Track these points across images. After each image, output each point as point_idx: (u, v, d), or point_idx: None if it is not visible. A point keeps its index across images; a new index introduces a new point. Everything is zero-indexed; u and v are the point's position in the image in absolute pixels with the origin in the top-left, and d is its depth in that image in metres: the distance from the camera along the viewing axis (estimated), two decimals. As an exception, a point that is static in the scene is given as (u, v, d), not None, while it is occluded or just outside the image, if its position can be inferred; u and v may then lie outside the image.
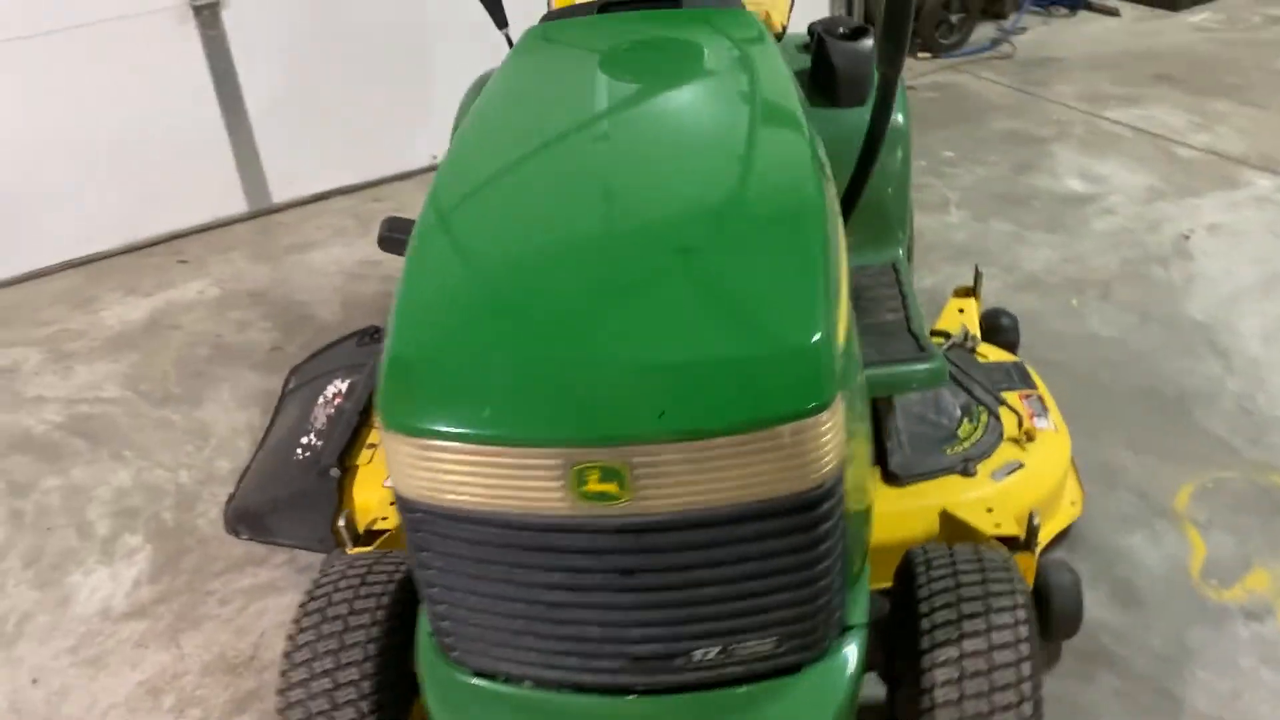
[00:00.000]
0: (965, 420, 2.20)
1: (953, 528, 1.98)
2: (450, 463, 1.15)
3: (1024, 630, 1.43)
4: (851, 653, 1.36)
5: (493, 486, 1.16)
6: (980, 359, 2.43)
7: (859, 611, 1.41)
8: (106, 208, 3.65)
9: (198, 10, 3.58)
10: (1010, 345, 2.65)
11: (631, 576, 1.21)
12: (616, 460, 1.12)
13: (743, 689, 1.31)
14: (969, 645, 1.42)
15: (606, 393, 1.12)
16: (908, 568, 1.60)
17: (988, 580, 1.51)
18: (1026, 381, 2.35)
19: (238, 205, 3.90)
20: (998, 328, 2.66)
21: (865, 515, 1.48)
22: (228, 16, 3.62)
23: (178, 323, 3.26)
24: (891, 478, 2.09)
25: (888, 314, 2.21)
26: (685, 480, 1.14)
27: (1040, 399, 2.30)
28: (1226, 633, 2.00)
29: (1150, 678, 1.92)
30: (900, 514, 2.02)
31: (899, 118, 2.47)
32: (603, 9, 1.82)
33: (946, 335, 2.49)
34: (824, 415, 1.14)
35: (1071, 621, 1.88)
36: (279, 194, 3.96)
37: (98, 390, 2.94)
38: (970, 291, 2.67)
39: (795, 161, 1.43)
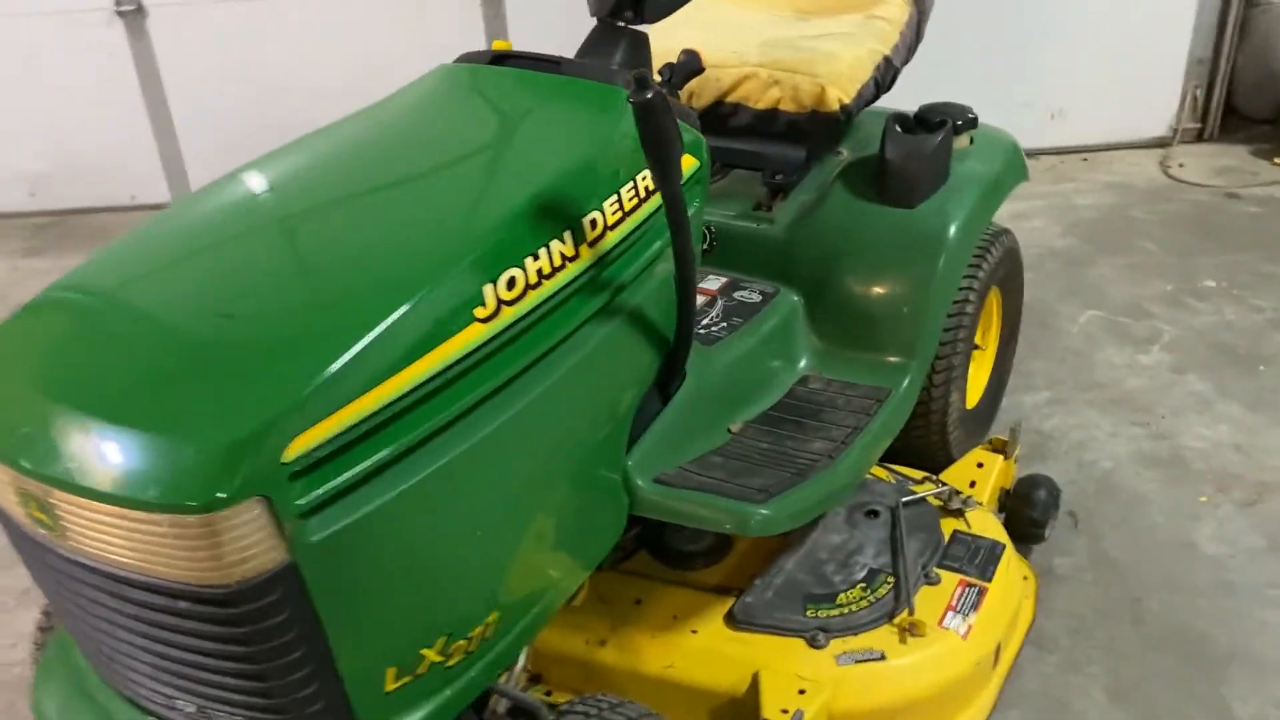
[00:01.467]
0: (860, 586, 1.91)
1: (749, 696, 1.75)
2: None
3: None
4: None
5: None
6: (959, 525, 2.07)
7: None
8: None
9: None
10: (1035, 525, 2.22)
11: (100, 608, 1.26)
12: (40, 494, 1.17)
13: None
14: None
15: (42, 433, 1.17)
16: None
17: None
18: (986, 571, 1.97)
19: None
20: (1029, 501, 2.23)
21: (432, 608, 1.37)
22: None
23: None
24: (730, 617, 1.88)
25: (817, 441, 1.96)
26: (98, 536, 1.16)
27: (981, 593, 1.92)
28: None
29: None
30: (718, 657, 1.84)
31: (951, 226, 2.16)
32: (494, 60, 1.78)
33: (939, 483, 2.15)
34: (223, 516, 1.10)
35: None
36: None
37: None
38: (1002, 447, 2.26)
39: (456, 247, 1.34)
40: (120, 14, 4.08)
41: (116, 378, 1.21)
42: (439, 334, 1.28)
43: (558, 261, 1.44)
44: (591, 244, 1.50)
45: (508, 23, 4.12)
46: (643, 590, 1.98)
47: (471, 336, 1.32)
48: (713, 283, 2.26)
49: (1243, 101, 4.22)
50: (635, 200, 1.59)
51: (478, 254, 1.34)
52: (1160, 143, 4.29)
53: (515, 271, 1.37)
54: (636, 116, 1.38)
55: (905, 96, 2.43)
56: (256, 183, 1.56)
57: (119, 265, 1.42)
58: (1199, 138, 4.30)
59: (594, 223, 1.50)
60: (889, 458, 2.27)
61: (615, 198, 1.55)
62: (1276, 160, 4.05)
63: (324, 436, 1.17)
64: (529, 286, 1.39)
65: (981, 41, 4.10)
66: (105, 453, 1.13)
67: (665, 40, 2.28)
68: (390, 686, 1.34)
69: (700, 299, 2.20)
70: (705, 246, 2.32)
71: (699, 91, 2.27)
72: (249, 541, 1.14)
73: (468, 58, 1.79)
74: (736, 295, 2.22)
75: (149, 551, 1.15)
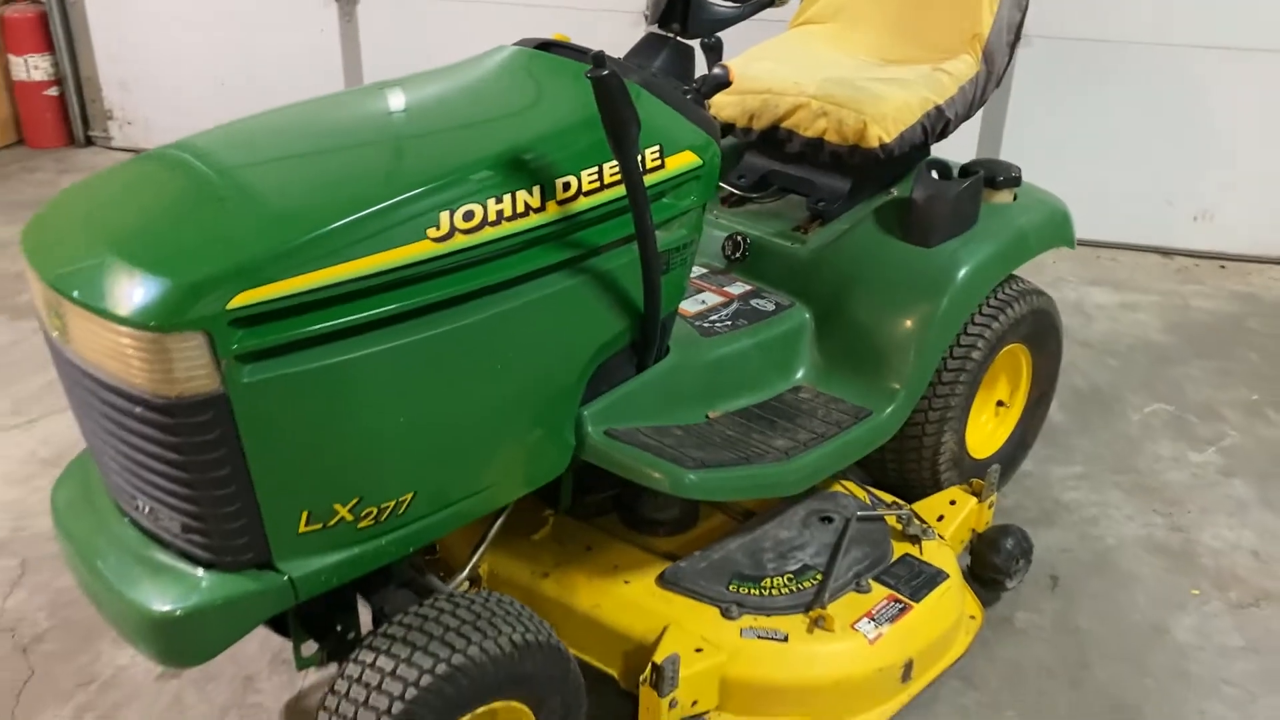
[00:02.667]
0: (788, 576, 2.04)
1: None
2: (30, 278, 1.60)
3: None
4: (247, 585, 1.56)
5: (37, 299, 1.59)
6: (911, 550, 2.15)
7: (301, 566, 1.59)
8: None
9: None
10: (997, 572, 2.26)
11: (89, 407, 1.57)
12: (55, 304, 1.49)
13: (166, 556, 1.60)
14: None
15: (69, 256, 1.50)
16: None
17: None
18: (918, 594, 2.05)
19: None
20: (995, 546, 2.28)
21: (345, 471, 1.62)
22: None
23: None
24: (661, 577, 2.04)
25: (781, 439, 2.11)
26: (89, 344, 1.47)
27: (904, 610, 2.01)
28: None
29: None
30: (639, 608, 2.01)
31: (962, 269, 2.27)
32: (540, 46, 2.03)
33: (901, 507, 2.24)
34: (170, 338, 1.38)
35: None
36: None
37: None
38: (978, 490, 2.31)
39: (423, 174, 1.60)
40: (337, -1, 4.66)
41: (132, 226, 1.54)
42: (388, 241, 1.53)
43: (520, 209, 1.66)
44: (560, 203, 1.72)
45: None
46: (596, 541, 2.18)
47: (420, 250, 1.56)
48: (736, 288, 2.44)
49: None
50: (617, 177, 1.81)
51: (441, 184, 1.59)
52: (1309, 261, 4.14)
53: (474, 206, 1.61)
54: (594, 91, 1.61)
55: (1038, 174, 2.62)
56: (318, 105, 1.89)
57: (182, 148, 1.75)
58: (1353, 262, 4.12)
59: (567, 185, 1.72)
60: (884, 487, 2.40)
61: (596, 170, 1.76)
62: None
63: (265, 298, 1.44)
64: (486, 222, 1.62)
65: (1133, 133, 4.10)
66: (102, 277, 1.44)
67: (745, 65, 2.52)
68: (302, 529, 1.60)
69: (718, 299, 2.39)
70: (737, 255, 2.50)
71: (759, 114, 2.46)
72: (190, 365, 1.42)
73: (521, 42, 2.05)
74: (753, 302, 2.38)
75: (119, 360, 1.45)
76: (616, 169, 1.78)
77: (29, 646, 2.19)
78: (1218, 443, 2.97)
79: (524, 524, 2.20)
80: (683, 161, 1.90)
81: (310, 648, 1.85)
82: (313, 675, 2.13)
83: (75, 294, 1.45)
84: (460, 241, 1.61)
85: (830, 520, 2.19)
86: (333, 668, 1.85)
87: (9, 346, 3.37)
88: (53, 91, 5.07)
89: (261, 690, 2.09)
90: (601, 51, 1.62)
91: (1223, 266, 4.16)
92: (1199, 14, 3.96)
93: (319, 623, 1.87)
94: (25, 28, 4.95)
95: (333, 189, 1.59)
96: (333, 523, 1.62)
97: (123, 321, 1.41)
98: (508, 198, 1.65)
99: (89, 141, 5.21)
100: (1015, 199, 2.48)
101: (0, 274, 3.86)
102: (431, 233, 1.57)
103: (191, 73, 4.95)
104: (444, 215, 1.58)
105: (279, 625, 1.84)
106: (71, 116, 5.16)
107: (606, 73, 1.59)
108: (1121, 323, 3.67)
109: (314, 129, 1.80)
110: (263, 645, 2.18)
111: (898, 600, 2.05)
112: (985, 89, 2.55)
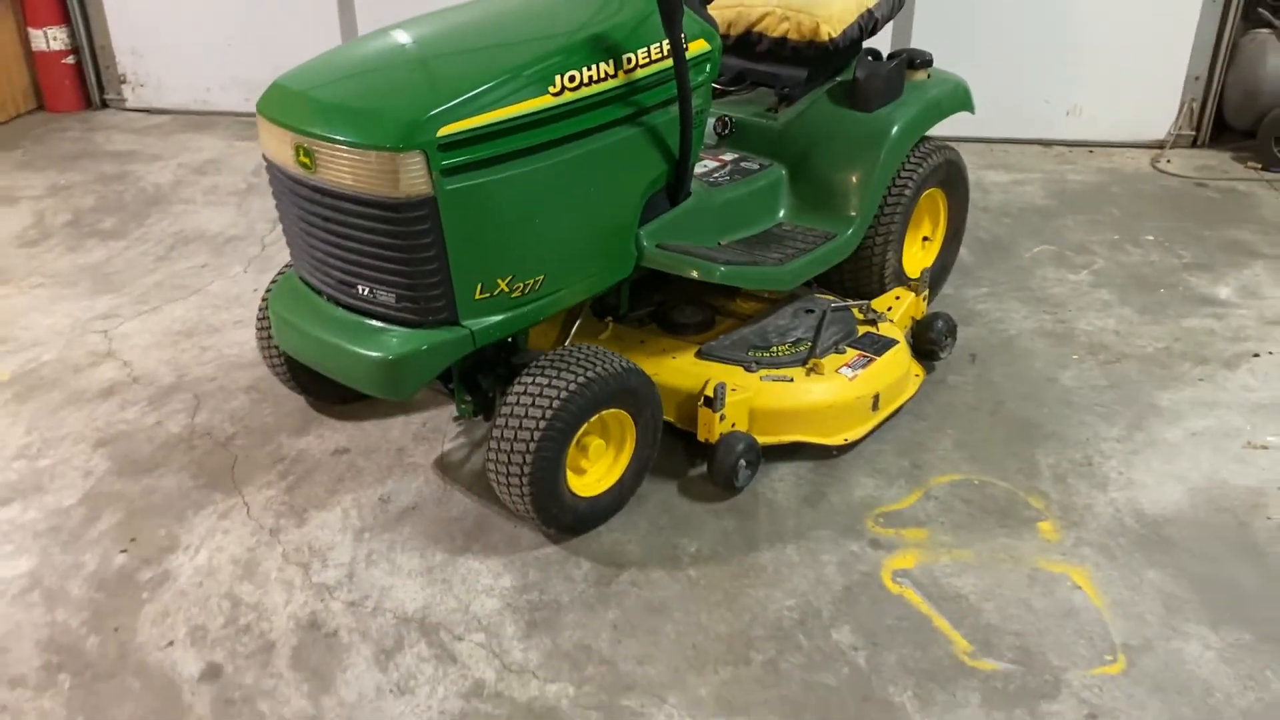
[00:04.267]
0: (789, 344, 2.85)
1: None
2: (266, 134, 2.33)
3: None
4: (441, 337, 2.32)
5: (275, 149, 2.32)
6: (871, 329, 2.98)
7: (477, 323, 2.35)
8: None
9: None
10: (932, 344, 3.11)
11: (325, 222, 2.31)
12: (307, 144, 2.22)
13: (379, 323, 2.35)
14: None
15: (317, 111, 2.23)
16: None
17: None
18: (879, 353, 2.88)
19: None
20: (929, 326, 3.13)
21: (505, 255, 2.37)
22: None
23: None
24: (698, 353, 2.84)
25: (775, 253, 2.91)
26: (341, 169, 2.21)
27: (869, 361, 2.83)
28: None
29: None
30: (685, 371, 2.80)
31: (894, 127, 3.09)
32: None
33: (863, 302, 3.07)
34: (401, 156, 2.13)
35: None
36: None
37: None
38: (915, 287, 3.16)
39: (539, 52, 2.36)
40: (331, -39, 5.31)
41: (362, 86, 2.31)
42: (525, 94, 2.30)
43: (601, 75, 2.43)
44: (627, 71, 2.49)
45: None
46: (646, 337, 2.96)
47: (545, 102, 2.33)
48: (728, 155, 3.24)
49: (1231, 115, 4.98)
50: (660, 54, 2.57)
51: (555, 60, 2.36)
52: (1158, 145, 5.10)
53: (575, 72, 2.38)
54: None
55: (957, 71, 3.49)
56: (465, 10, 2.66)
57: (372, 40, 2.52)
58: (1193, 144, 5.10)
59: (629, 59, 2.49)
60: (843, 295, 3.22)
61: (647, 49, 2.54)
62: (1249, 164, 4.82)
63: (459, 130, 2.20)
64: (582, 84, 2.39)
65: (1014, 44, 4.99)
66: (350, 119, 2.19)
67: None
68: (477, 296, 2.37)
69: (715, 164, 3.18)
70: (726, 132, 3.30)
71: (735, 22, 3.25)
72: (412, 175, 2.18)
73: None
74: (743, 164, 3.18)
75: (363, 175, 2.19)
76: (658, 50, 2.56)
77: (225, 443, 2.90)
78: (1089, 267, 3.88)
79: (590, 331, 2.98)
80: (698, 47, 2.68)
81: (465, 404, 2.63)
82: (449, 442, 2.88)
83: (330, 133, 2.19)
84: (567, 97, 2.37)
85: (812, 312, 3.01)
86: (460, 435, 2.64)
87: (109, 259, 4.02)
88: (69, 60, 5.64)
89: (412, 455, 2.84)
90: None
91: (1091, 151, 5.10)
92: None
93: (470, 384, 2.64)
94: (43, 2, 5.50)
95: (491, 60, 2.36)
96: (496, 293, 2.39)
97: (369, 147, 2.16)
98: (594, 66, 2.42)
99: (104, 104, 5.79)
100: (929, 77, 3.32)
101: (83, 209, 4.49)
102: (550, 89, 2.34)
103: (200, 37, 5.55)
104: (558, 77, 2.35)
105: (445, 381, 2.60)
106: (88, 82, 5.73)
107: None
108: (1012, 194, 4.58)
109: (465, 25, 2.57)
110: (404, 428, 2.93)
111: (865, 356, 2.88)
112: (901, -5, 3.38)
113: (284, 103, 2.34)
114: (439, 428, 2.95)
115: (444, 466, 2.81)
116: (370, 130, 2.18)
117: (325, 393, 2.98)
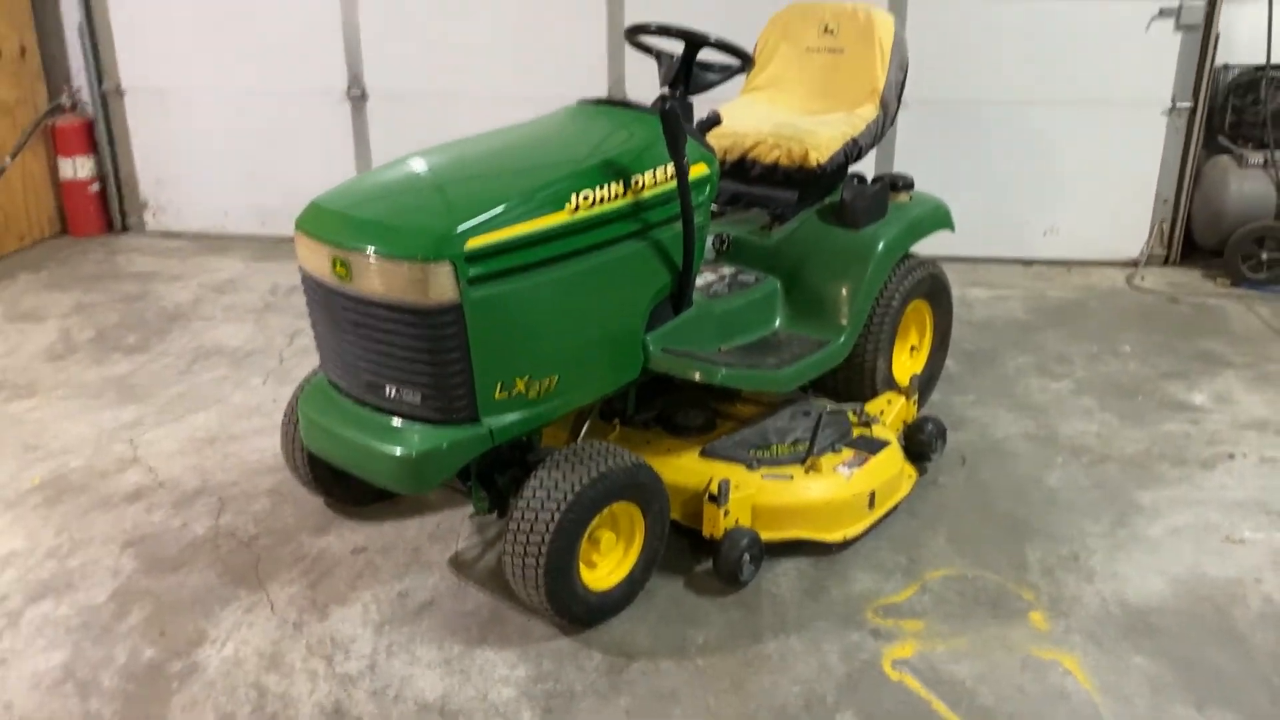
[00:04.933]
0: (788, 445, 3.01)
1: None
2: (305, 249, 2.53)
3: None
4: (462, 434, 2.48)
5: (313, 262, 2.52)
6: (865, 432, 3.14)
7: (496, 421, 2.51)
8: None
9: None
10: (923, 446, 3.27)
11: (356, 328, 2.49)
12: (344, 257, 2.42)
13: (403, 421, 2.51)
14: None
15: (353, 228, 2.45)
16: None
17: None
18: (874, 452, 3.03)
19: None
20: (920, 429, 3.29)
21: (524, 357, 2.56)
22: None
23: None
24: (701, 452, 2.99)
25: (772, 358, 3.10)
26: (375, 278, 2.40)
27: (864, 460, 2.99)
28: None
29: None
30: (689, 470, 2.96)
31: (880, 244, 3.32)
32: (598, 103, 3.04)
33: (857, 407, 3.24)
34: (432, 266, 2.33)
35: None
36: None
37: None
38: (904, 392, 3.34)
39: (557, 174, 2.59)
40: (349, 97, 5.65)
41: (394, 205, 2.53)
42: (544, 211, 2.52)
43: (612, 195, 2.66)
44: (636, 191, 2.72)
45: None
46: (652, 437, 3.12)
47: (561, 218, 2.55)
48: (726, 269, 3.46)
49: (1199, 234, 5.26)
50: (666, 177, 2.80)
51: (571, 181, 2.59)
52: (1132, 263, 5.37)
53: (589, 191, 2.60)
54: (660, 117, 2.63)
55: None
56: (483, 138, 2.91)
57: (397, 165, 2.75)
58: (1165, 262, 5.37)
59: (638, 181, 2.72)
60: (837, 400, 3.40)
61: (653, 171, 2.77)
62: (1219, 280, 5.08)
63: (484, 243, 2.42)
64: (596, 202, 2.62)
65: (992, 168, 5.31)
66: (384, 234, 2.40)
67: (728, 115, 3.56)
68: (496, 396, 2.54)
69: (713, 277, 3.40)
70: (724, 248, 3.53)
71: (731, 148, 3.52)
72: (442, 284, 2.37)
73: (582, 100, 3.06)
74: (740, 277, 3.40)
75: (396, 283, 2.39)
76: (664, 173, 2.79)
77: (249, 542, 3.03)
78: (1070, 376, 4.08)
79: (598, 432, 3.14)
80: (699, 170, 2.92)
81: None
82: (462, 541, 3.00)
83: (366, 245, 2.39)
84: (582, 214, 2.60)
85: (809, 414, 3.18)
86: (473, 534, 2.76)
87: (133, 372, 4.19)
88: (94, 188, 5.93)
89: (428, 553, 2.97)
90: (665, 93, 2.65)
91: (1068, 269, 5.36)
92: (1036, 77, 5.23)
93: (487, 482, 2.77)
94: (73, 135, 5.83)
95: (513, 181, 2.59)
96: (514, 392, 2.56)
97: (403, 258, 2.36)
98: (606, 187, 2.65)
99: (125, 228, 6.06)
100: (910, 199, 3.57)
101: (107, 326, 4.68)
102: (567, 207, 2.56)
103: (220, 166, 5.86)
104: (574, 196, 2.57)
105: (462, 479, 2.73)
106: (111, 208, 6.01)
107: (668, 106, 2.61)
108: (995, 309, 4.81)
109: (485, 151, 2.81)
110: (420, 528, 3.05)
111: (859, 455, 3.04)
112: (883, 126, 3.65)
113: (322, 220, 2.55)
114: (453, 528, 3.08)
115: (458, 564, 2.93)
116: (404, 243, 2.38)
117: (345, 494, 3.12)
